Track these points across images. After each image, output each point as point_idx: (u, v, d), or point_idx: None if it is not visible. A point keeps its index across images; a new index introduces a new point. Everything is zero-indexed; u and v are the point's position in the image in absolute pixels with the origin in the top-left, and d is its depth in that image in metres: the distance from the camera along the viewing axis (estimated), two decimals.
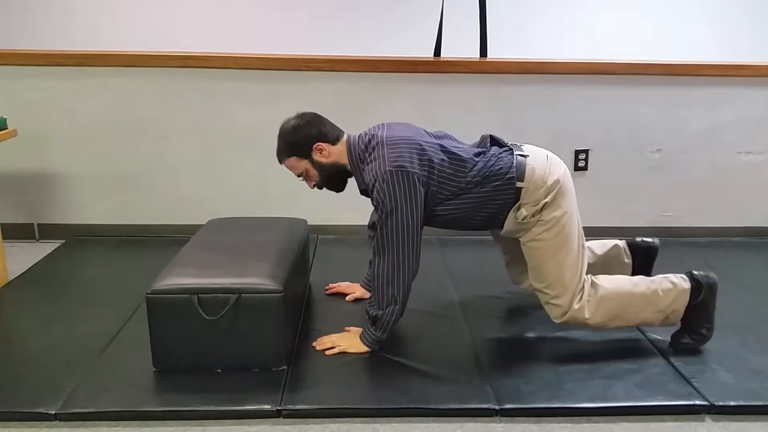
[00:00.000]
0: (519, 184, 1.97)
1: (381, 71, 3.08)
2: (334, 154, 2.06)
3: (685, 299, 2.02)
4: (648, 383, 1.86)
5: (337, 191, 2.16)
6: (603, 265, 2.28)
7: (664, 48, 4.16)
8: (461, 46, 3.19)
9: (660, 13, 4.32)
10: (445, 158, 1.98)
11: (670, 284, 2.03)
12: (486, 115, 3.15)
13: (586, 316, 1.99)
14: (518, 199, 1.98)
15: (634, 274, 2.25)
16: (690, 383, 1.86)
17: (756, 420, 1.75)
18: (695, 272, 2.05)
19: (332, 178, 2.10)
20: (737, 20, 4.32)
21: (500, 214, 2.02)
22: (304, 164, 2.07)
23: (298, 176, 2.12)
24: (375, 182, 1.91)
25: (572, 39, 4.22)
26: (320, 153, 2.04)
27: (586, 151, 3.22)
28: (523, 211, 1.98)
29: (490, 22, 3.19)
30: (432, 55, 3.22)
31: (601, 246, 2.32)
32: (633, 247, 2.32)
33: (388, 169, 1.89)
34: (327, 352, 1.99)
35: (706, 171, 3.27)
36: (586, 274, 2.04)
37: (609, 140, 3.21)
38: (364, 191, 2.09)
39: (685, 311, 2.03)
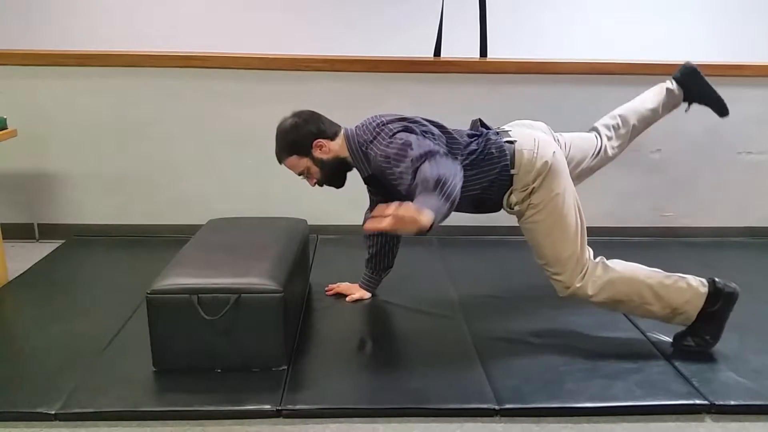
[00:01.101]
0: (512, 171, 1.99)
1: (381, 71, 3.08)
2: (333, 149, 2.06)
3: (699, 304, 1.99)
4: (648, 383, 1.86)
5: (338, 187, 2.15)
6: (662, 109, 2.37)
7: (665, 48, 4.16)
8: (461, 46, 3.19)
9: (660, 13, 4.32)
10: (441, 134, 2.00)
11: (685, 285, 2.00)
12: (486, 116, 3.10)
13: (589, 293, 1.99)
14: (510, 185, 2.00)
15: (690, 102, 2.40)
16: (690, 383, 1.86)
17: (756, 420, 1.75)
18: (717, 280, 2.01)
19: (333, 174, 2.10)
20: (737, 20, 4.31)
21: (498, 200, 2.04)
22: (305, 162, 2.06)
23: (299, 175, 2.12)
24: (384, 149, 1.91)
25: (572, 39, 4.21)
26: (320, 150, 2.05)
27: None
28: (513, 198, 2.00)
29: (490, 22, 3.19)
30: (432, 55, 3.22)
31: (653, 97, 2.41)
32: (678, 82, 2.40)
33: (395, 132, 1.91)
34: (384, 224, 1.58)
35: (706, 171, 3.27)
36: (595, 255, 2.05)
37: None
38: (368, 179, 2.10)
39: (698, 316, 2.00)
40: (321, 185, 2.14)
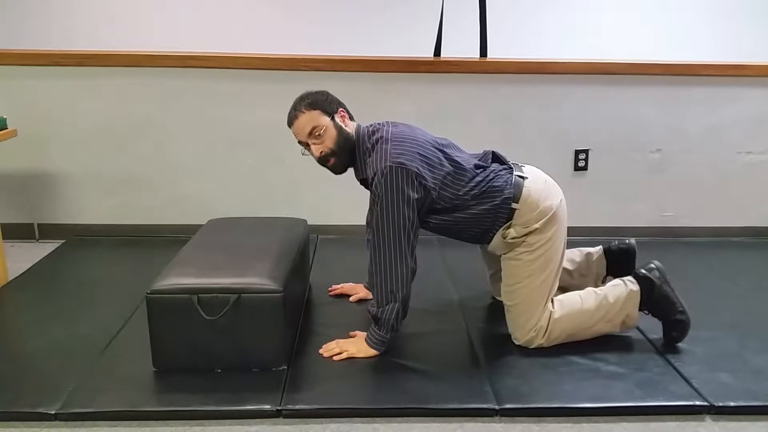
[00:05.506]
0: (513, 206, 2.00)
1: (381, 71, 3.08)
2: (350, 126, 2.07)
3: (636, 301, 2.04)
4: (648, 383, 1.86)
5: (336, 171, 2.09)
6: (580, 276, 2.30)
7: (664, 48, 4.16)
8: (461, 46, 3.19)
9: (660, 13, 4.32)
10: (446, 164, 1.99)
11: (618, 291, 2.06)
12: (486, 116, 3.15)
13: (542, 341, 2.03)
14: (510, 219, 2.01)
15: (610, 275, 2.27)
16: (690, 383, 1.86)
17: (756, 420, 1.75)
18: (638, 271, 2.07)
19: (343, 149, 2.03)
20: (737, 20, 4.31)
21: (491, 231, 2.05)
22: (326, 121, 2.00)
23: (308, 137, 2.01)
24: (375, 176, 1.91)
25: (572, 39, 4.21)
26: (342, 119, 2.05)
27: (586, 151, 3.22)
28: (512, 232, 2.01)
29: (490, 22, 3.19)
30: (432, 55, 3.22)
31: (570, 262, 2.30)
32: (608, 252, 2.31)
33: (388, 164, 1.89)
34: (335, 358, 1.97)
35: (706, 171, 3.27)
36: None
37: (609, 140, 3.21)
38: (363, 181, 2.10)
39: (651, 307, 2.05)
40: (326, 159, 2.03)
